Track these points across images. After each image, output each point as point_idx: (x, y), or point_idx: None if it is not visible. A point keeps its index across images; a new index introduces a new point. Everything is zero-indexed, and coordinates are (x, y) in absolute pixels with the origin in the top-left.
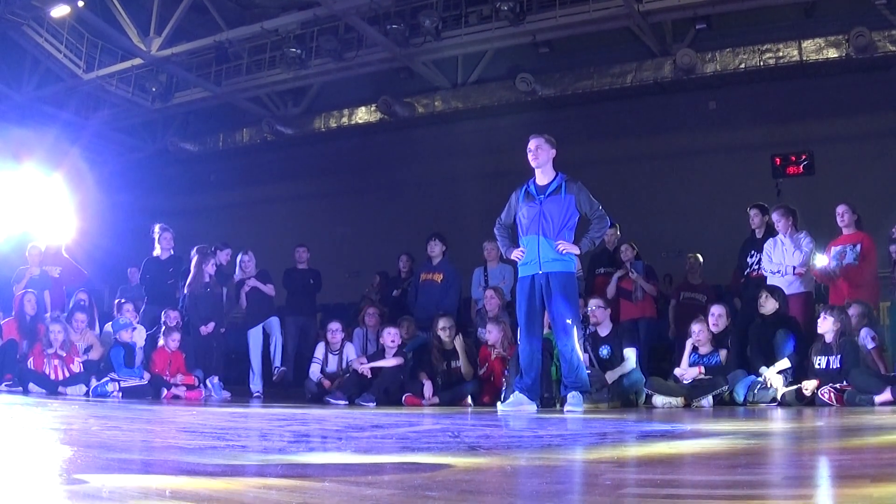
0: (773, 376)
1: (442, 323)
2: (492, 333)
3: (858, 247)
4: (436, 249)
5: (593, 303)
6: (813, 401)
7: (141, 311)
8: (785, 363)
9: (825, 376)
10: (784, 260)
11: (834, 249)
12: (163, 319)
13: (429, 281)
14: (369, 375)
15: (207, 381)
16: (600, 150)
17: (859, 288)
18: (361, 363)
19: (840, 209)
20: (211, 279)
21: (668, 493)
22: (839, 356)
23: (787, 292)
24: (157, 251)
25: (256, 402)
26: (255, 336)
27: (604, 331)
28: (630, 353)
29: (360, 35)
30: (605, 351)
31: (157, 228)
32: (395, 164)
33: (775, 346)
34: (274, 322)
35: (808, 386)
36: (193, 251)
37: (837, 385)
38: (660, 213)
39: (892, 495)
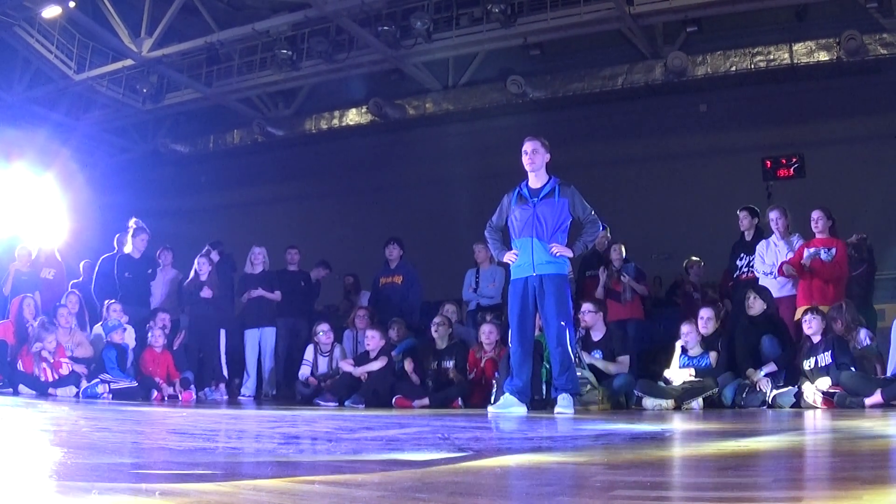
0: (761, 379)
1: (437, 320)
2: (493, 333)
3: (833, 251)
4: (394, 253)
5: (584, 307)
6: (799, 403)
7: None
8: (771, 366)
9: (817, 376)
10: (776, 261)
11: (807, 251)
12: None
13: (390, 284)
14: (355, 373)
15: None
16: (591, 153)
17: (826, 285)
18: (351, 364)
19: (815, 214)
20: (209, 278)
21: (657, 496)
22: (829, 352)
23: (778, 294)
24: (128, 248)
25: (247, 404)
26: (251, 338)
27: (596, 335)
28: (623, 361)
29: (351, 37)
30: (597, 355)
31: (132, 223)
32: (386, 166)
33: (762, 348)
34: (269, 334)
35: (815, 384)
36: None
37: (827, 387)
38: (650, 216)
39: (882, 499)
